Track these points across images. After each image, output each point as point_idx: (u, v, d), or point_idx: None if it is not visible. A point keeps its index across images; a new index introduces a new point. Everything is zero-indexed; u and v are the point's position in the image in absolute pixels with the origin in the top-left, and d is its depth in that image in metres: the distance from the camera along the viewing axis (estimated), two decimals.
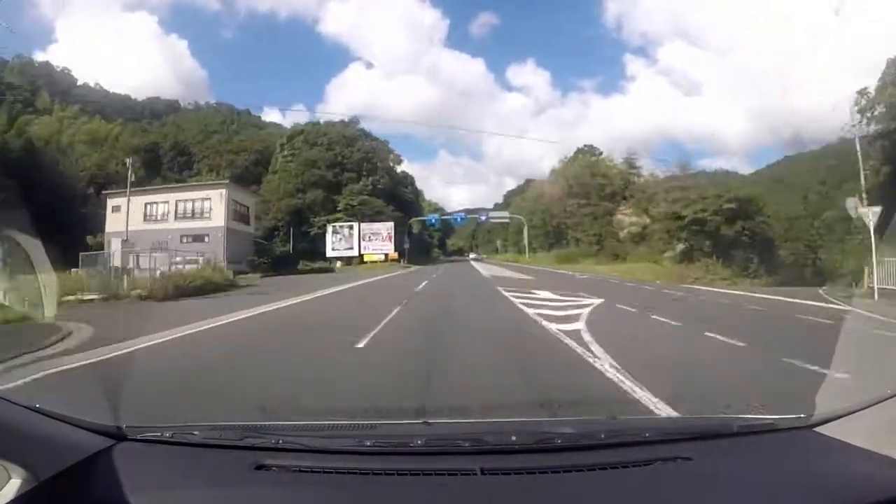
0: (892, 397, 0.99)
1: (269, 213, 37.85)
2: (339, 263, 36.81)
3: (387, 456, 0.95)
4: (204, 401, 2.61)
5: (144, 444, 0.93)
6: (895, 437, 0.91)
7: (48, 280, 5.24)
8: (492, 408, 2.24)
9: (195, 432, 0.98)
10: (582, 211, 40.48)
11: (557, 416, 1.97)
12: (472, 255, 77.73)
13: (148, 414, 1.77)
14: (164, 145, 45.54)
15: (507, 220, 50.52)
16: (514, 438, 1.01)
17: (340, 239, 38.92)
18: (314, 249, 37.81)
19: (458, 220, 47.56)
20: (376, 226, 39.15)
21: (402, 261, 38.01)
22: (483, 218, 48.05)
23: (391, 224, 39.39)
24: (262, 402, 2.35)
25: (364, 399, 2.61)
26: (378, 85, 58.18)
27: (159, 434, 0.96)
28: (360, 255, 37.84)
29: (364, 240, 38.82)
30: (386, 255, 37.35)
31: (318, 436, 1.09)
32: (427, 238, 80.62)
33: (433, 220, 51.64)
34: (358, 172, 43.07)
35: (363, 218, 39.66)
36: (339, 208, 40.08)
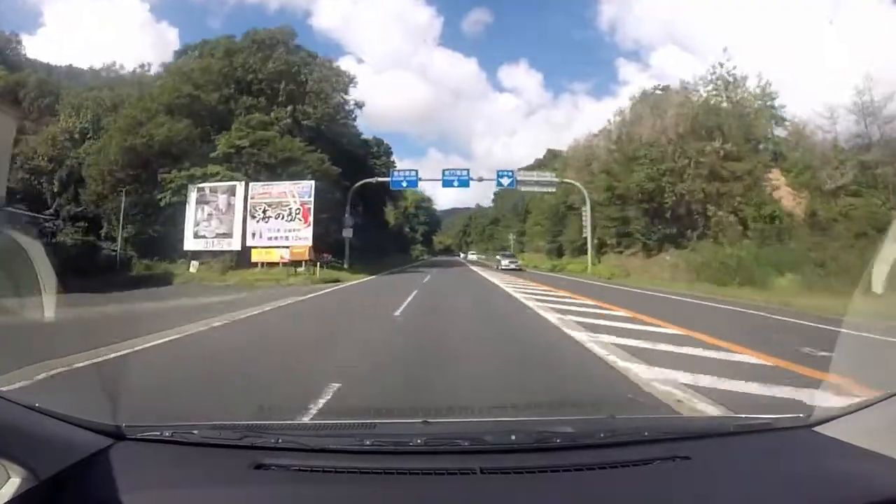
0: (891, 397, 1.71)
1: (95, 166, 32.61)
2: (194, 266, 29.44)
3: (386, 455, 1.61)
4: None
5: (144, 444, 1.57)
6: (895, 437, 1.58)
7: None
8: (491, 407, 2.97)
9: (194, 431, 1.63)
10: (731, 168, 30.23)
11: (557, 415, 2.70)
12: (468, 256, 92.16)
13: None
14: (29, 83, 43.36)
15: (549, 191, 43.32)
16: (513, 438, 1.70)
17: (210, 215, 31.23)
18: (172, 237, 31.01)
19: (459, 181, 38.88)
20: (280, 188, 31.72)
21: (321, 262, 29.96)
22: (505, 183, 39.79)
23: (310, 185, 31.20)
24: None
25: None
26: (368, 80, 77.84)
27: (158, 433, 1.60)
28: (247, 249, 30.25)
29: (255, 216, 31.00)
30: (288, 248, 30.47)
31: (317, 435, 1.76)
32: (407, 231, 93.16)
33: (405, 182, 41.53)
34: (269, 96, 37.13)
35: (258, 173, 32.03)
36: (214, 155, 32.57)
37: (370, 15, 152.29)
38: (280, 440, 1.61)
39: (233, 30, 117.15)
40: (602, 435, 1.77)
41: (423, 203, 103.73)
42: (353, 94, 42.63)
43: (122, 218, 31.23)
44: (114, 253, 29.36)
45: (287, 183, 31.91)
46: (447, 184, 39.58)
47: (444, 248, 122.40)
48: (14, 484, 1.31)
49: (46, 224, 29.15)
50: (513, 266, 41.21)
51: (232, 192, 31.86)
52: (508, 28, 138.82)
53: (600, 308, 13.48)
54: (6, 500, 1.30)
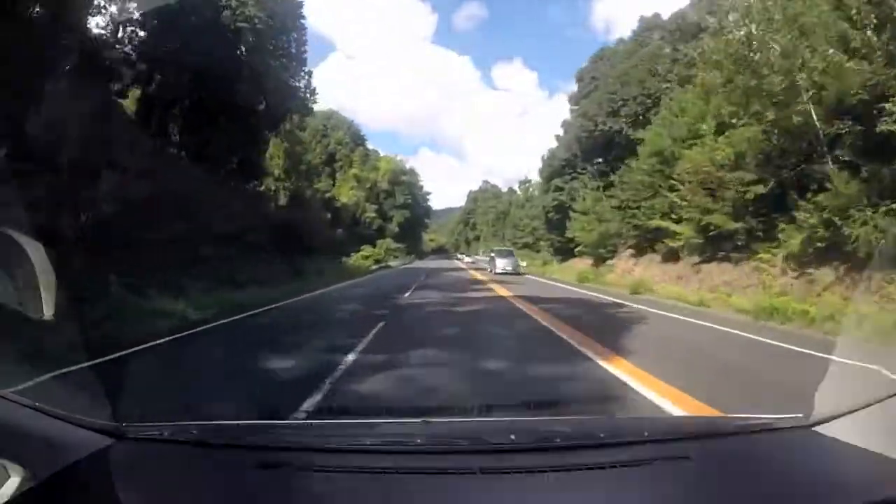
0: (891, 397, 1.73)
1: None
2: None
3: (386, 455, 1.63)
4: None
5: (143, 443, 1.58)
6: (895, 437, 1.62)
7: None
8: (491, 407, 3.02)
9: (194, 431, 1.64)
10: None
11: (557, 415, 2.73)
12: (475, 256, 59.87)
13: None
14: None
15: None
16: (513, 438, 1.71)
17: None
18: None
19: None
20: None
21: None
22: None
23: None
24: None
25: None
26: (359, 76, 56.92)
27: (158, 433, 1.61)
28: None
29: None
30: None
31: (318, 434, 1.77)
32: (371, 217, 59.13)
33: None
34: None
35: None
36: None
37: (361, 12, 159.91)
38: (281, 439, 1.64)
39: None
40: (602, 435, 1.80)
41: (405, 176, 71.58)
42: None
43: None
44: None
45: None
46: None
47: (436, 249, 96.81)
48: (14, 483, 1.32)
49: None
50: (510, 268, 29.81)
51: None
52: (502, 25, 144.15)
53: None
54: (6, 499, 1.31)
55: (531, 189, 67.34)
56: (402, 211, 68.35)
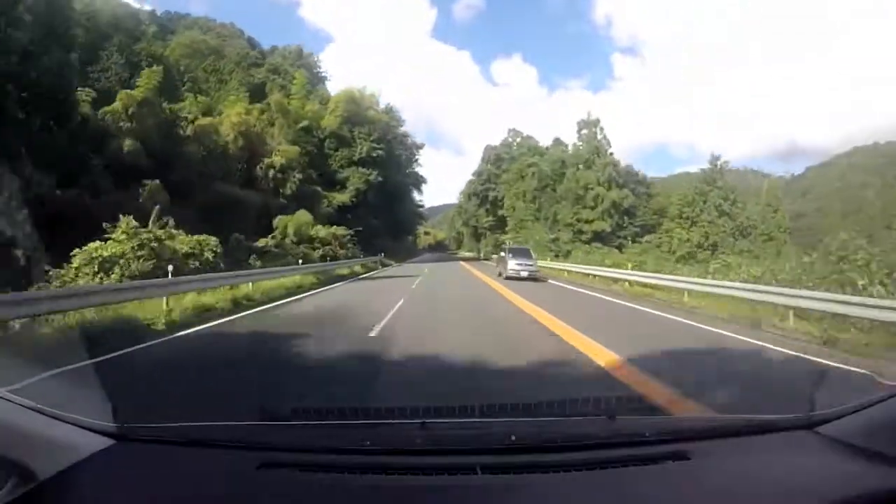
0: (891, 397, 1.73)
1: None
2: None
3: (387, 455, 1.63)
4: None
5: (144, 444, 1.58)
6: (895, 437, 1.63)
7: None
8: (491, 407, 3.04)
9: (195, 431, 1.61)
10: None
11: (557, 415, 2.75)
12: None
13: None
14: None
15: None
16: (513, 437, 1.71)
17: None
18: None
19: None
20: None
21: None
22: None
23: None
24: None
25: None
26: (357, 70, 49.90)
27: (159, 434, 1.61)
28: None
29: None
30: None
31: (318, 435, 1.76)
32: (278, 173, 31.56)
33: None
34: None
35: None
36: None
37: (359, 5, 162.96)
38: (281, 439, 1.64)
39: (216, 15, 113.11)
40: (602, 435, 1.80)
41: (373, 111, 42.90)
42: None
43: None
44: None
45: None
46: None
47: (433, 245, 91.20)
48: (14, 484, 1.33)
49: None
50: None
51: None
52: (501, 19, 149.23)
53: None
54: (6, 500, 1.32)
55: (600, 135, 40.64)
56: (365, 171, 39.13)
